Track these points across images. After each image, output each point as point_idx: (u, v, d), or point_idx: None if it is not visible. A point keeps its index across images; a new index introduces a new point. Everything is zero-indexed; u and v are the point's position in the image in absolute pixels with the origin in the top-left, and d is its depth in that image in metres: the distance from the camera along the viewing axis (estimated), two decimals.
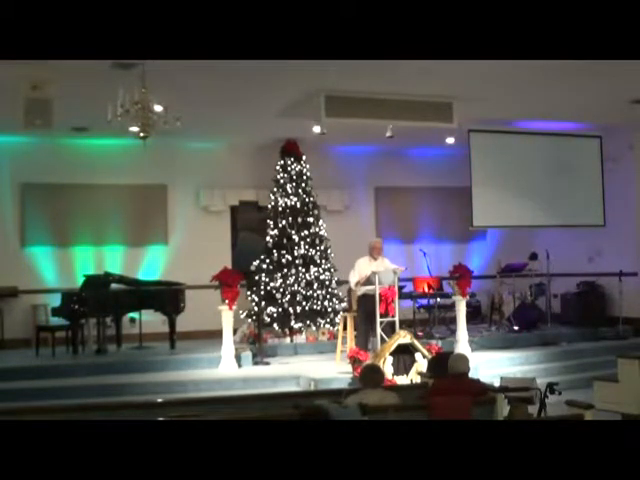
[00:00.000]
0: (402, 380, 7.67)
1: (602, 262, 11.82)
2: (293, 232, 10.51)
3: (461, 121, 9.37)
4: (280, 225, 10.55)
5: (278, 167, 10.89)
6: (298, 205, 10.65)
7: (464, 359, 5.41)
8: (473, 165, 10.71)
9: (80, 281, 9.92)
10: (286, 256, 10.36)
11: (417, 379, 7.41)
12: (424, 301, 11.19)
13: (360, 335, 8.70)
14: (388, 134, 9.28)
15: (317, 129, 8.94)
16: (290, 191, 10.70)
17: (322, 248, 10.66)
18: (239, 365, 8.99)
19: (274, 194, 10.78)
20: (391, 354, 7.76)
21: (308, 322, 10.25)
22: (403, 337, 7.86)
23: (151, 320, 10.38)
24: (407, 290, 10.74)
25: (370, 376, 5.15)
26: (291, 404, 4.94)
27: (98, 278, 9.87)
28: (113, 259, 11.06)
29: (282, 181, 10.77)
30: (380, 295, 8.27)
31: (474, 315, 11.71)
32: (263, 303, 10.15)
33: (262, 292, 10.25)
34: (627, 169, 11.51)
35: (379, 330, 8.21)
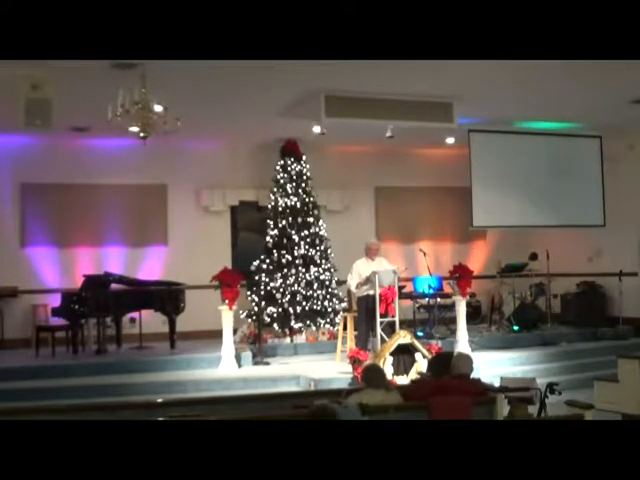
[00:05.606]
0: (402, 380, 7.67)
1: (602, 262, 11.82)
2: (293, 232, 10.51)
3: (461, 121, 9.38)
4: (280, 225, 10.55)
5: (278, 167, 10.89)
6: (298, 205, 10.65)
7: (468, 359, 5.38)
8: (473, 165, 10.70)
9: (80, 281, 9.92)
10: (286, 256, 10.35)
11: None
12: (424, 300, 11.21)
13: (360, 335, 8.70)
14: (388, 134, 9.27)
15: (317, 129, 8.94)
16: (290, 191, 10.69)
17: (322, 248, 10.66)
18: (239, 365, 8.99)
19: (274, 194, 10.78)
20: (391, 354, 7.76)
21: (308, 322, 10.25)
22: (403, 337, 7.87)
23: (151, 320, 10.38)
24: (407, 290, 10.74)
25: (372, 376, 5.14)
26: (291, 404, 4.95)
27: (98, 278, 9.86)
28: (113, 259, 11.05)
29: (282, 181, 10.77)
30: (380, 295, 8.27)
31: (474, 315, 11.71)
32: (263, 303, 10.14)
33: (262, 292, 10.24)
34: (627, 169, 11.51)
35: (379, 330, 8.22)
